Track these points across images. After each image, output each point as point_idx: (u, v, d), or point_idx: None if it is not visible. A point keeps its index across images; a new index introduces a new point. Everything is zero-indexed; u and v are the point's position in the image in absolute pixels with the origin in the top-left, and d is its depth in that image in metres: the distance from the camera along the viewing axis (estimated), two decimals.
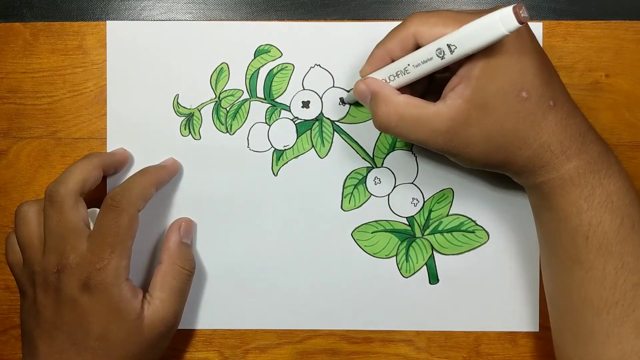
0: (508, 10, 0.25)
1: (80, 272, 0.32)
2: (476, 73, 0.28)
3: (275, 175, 0.38)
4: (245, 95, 0.38)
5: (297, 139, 0.38)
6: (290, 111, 0.38)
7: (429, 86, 0.34)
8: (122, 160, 0.37)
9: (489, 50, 0.28)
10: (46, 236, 0.33)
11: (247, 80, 0.38)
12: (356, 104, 0.37)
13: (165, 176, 0.37)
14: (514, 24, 0.25)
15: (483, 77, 0.28)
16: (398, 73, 0.31)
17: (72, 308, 0.32)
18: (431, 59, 0.29)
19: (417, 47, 0.30)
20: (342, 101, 0.38)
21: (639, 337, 0.29)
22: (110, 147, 0.38)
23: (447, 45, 0.27)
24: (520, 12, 0.25)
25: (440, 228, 0.38)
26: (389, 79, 0.31)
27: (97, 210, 0.34)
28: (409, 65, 0.30)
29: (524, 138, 0.29)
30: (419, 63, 0.29)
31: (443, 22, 0.29)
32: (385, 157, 0.38)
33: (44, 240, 0.33)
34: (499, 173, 0.33)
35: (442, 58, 0.28)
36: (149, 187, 0.35)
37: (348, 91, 0.37)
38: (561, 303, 0.32)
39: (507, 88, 0.28)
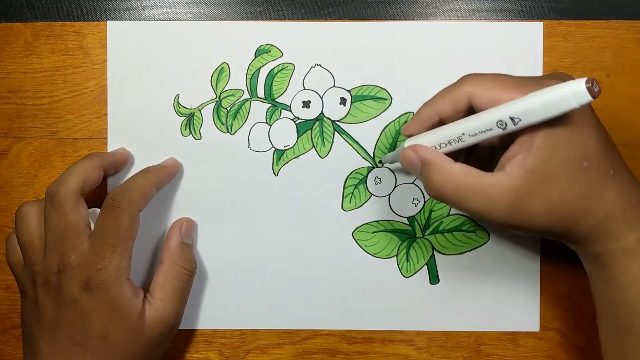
0: (581, 85, 0.24)
1: (81, 272, 0.32)
2: (538, 142, 0.27)
3: (276, 175, 0.38)
4: (246, 95, 0.38)
5: (297, 138, 0.38)
6: (290, 111, 0.38)
7: (470, 153, 0.34)
8: (122, 160, 0.37)
9: (550, 123, 0.27)
10: (47, 236, 0.33)
11: (248, 80, 0.38)
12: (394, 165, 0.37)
13: (166, 176, 0.37)
14: (586, 98, 0.25)
15: (545, 146, 0.27)
16: (451, 141, 0.29)
17: (73, 308, 0.32)
18: (491, 129, 0.28)
19: (470, 108, 0.29)
20: (381, 164, 0.37)
21: None
22: (111, 147, 0.38)
23: (511, 117, 0.27)
24: (594, 86, 0.24)
25: (440, 228, 0.38)
26: (439, 146, 0.30)
27: (98, 210, 0.34)
28: (464, 134, 0.29)
29: (586, 208, 0.28)
30: (476, 133, 0.28)
31: (502, 85, 0.28)
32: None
33: (44, 241, 0.33)
34: None
35: (504, 129, 0.27)
36: (149, 187, 0.35)
37: (390, 149, 0.37)
38: None
39: (570, 158, 0.28)
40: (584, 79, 0.25)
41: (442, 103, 0.30)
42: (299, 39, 0.38)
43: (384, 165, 0.37)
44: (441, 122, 0.31)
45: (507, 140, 0.29)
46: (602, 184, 0.28)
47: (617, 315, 0.30)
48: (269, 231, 0.38)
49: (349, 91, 0.38)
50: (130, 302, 0.32)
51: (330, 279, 0.38)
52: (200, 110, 0.38)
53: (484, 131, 0.28)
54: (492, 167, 0.29)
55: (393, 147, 0.38)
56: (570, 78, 0.29)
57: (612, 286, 0.30)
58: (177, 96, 0.38)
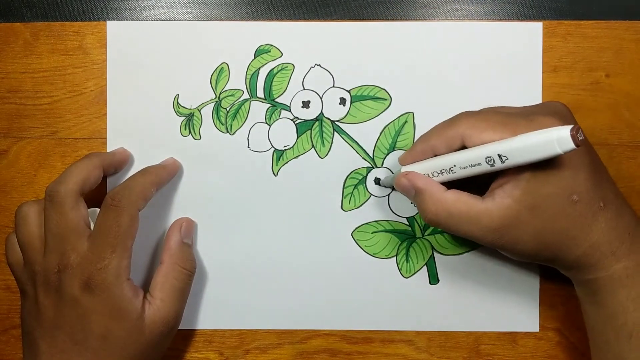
0: (565, 132, 0.25)
1: (81, 271, 0.32)
2: (526, 176, 0.29)
3: (276, 175, 0.38)
4: (246, 95, 0.38)
5: (297, 139, 0.38)
6: (290, 111, 0.38)
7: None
8: (122, 160, 0.37)
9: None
10: (47, 236, 0.33)
11: (247, 80, 0.38)
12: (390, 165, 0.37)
13: (166, 176, 0.37)
14: (569, 146, 0.25)
15: (533, 180, 0.29)
16: (442, 171, 0.31)
17: (73, 308, 0.32)
18: (480, 164, 0.29)
19: (463, 147, 0.30)
20: (378, 182, 0.38)
21: None
22: (111, 147, 0.38)
23: (498, 155, 0.28)
24: (578, 135, 0.25)
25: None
26: (432, 175, 0.32)
27: (98, 210, 0.34)
28: (455, 165, 0.30)
29: (573, 238, 0.29)
30: (466, 166, 0.30)
31: (492, 127, 0.29)
32: (385, 157, 0.38)
33: (44, 241, 0.33)
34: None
35: (492, 166, 0.28)
36: (149, 187, 0.35)
37: (390, 172, 0.38)
38: None
39: (558, 191, 0.29)
40: (569, 127, 0.25)
41: (436, 141, 0.31)
42: (299, 39, 0.38)
43: (382, 185, 0.38)
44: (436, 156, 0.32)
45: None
46: (590, 216, 0.29)
47: (607, 341, 0.31)
48: (269, 231, 0.38)
49: (348, 91, 0.38)
50: (130, 302, 0.32)
51: (329, 279, 0.38)
52: (199, 110, 0.38)
53: (473, 165, 0.29)
54: (486, 188, 0.30)
55: (392, 147, 0.38)
56: (564, 108, 0.31)
57: (602, 312, 0.31)
58: (177, 96, 0.38)
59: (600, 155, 0.32)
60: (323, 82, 0.38)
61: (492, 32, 0.37)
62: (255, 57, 0.38)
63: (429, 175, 0.32)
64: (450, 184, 0.32)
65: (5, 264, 0.35)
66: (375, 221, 0.38)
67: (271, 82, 0.38)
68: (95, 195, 0.36)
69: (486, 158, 0.28)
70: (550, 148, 0.26)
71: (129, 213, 0.33)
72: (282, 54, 0.38)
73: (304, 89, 0.38)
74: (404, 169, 0.34)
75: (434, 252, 0.38)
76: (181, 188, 0.38)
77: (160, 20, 0.39)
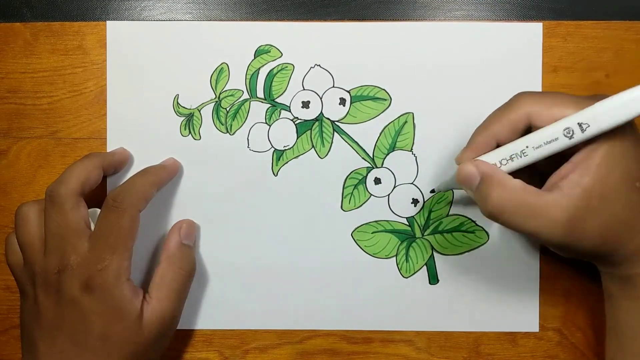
0: None
1: (82, 272, 0.32)
2: (597, 161, 0.27)
3: (275, 175, 0.38)
4: (245, 96, 0.38)
5: (297, 139, 0.38)
6: (290, 111, 0.38)
7: None
8: (122, 160, 0.37)
9: (609, 139, 0.27)
10: (47, 237, 0.33)
11: (247, 81, 0.38)
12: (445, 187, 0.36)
13: (166, 176, 0.37)
14: None
15: (604, 165, 0.27)
16: (513, 156, 0.29)
17: (73, 308, 0.32)
18: (557, 139, 0.27)
19: (529, 130, 0.29)
20: (433, 192, 0.37)
21: None
22: (111, 147, 0.38)
23: (579, 124, 0.26)
24: None
25: (440, 228, 0.38)
26: (500, 163, 0.29)
27: (98, 210, 0.34)
28: (527, 147, 0.28)
29: (632, 229, 0.28)
30: (541, 144, 0.28)
31: (562, 103, 0.28)
32: (385, 157, 0.38)
33: (44, 241, 0.33)
34: None
35: (571, 138, 0.27)
36: (149, 188, 0.35)
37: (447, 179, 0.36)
38: None
39: (625, 177, 0.27)
40: None
41: (498, 127, 0.29)
42: (299, 39, 0.38)
43: (437, 192, 0.36)
44: (497, 147, 0.30)
45: (553, 162, 0.29)
46: None
47: (635, 338, 0.30)
48: (268, 231, 0.38)
49: (348, 91, 0.38)
50: (129, 302, 0.32)
51: (329, 279, 0.38)
52: (199, 111, 0.38)
53: (549, 141, 0.27)
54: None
55: (392, 147, 0.38)
56: None
57: (638, 306, 0.29)
58: (177, 96, 0.38)
59: None
60: (323, 82, 0.38)
61: (492, 33, 0.37)
62: (255, 57, 0.38)
63: (496, 165, 0.29)
64: None
65: (5, 264, 0.35)
66: (375, 221, 0.38)
67: (271, 82, 0.38)
68: (95, 196, 0.36)
69: (564, 130, 0.27)
70: (636, 105, 0.25)
71: (129, 214, 0.33)
72: (282, 54, 0.38)
73: (304, 89, 0.38)
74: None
75: (434, 252, 0.38)
76: (181, 188, 0.38)
77: (160, 20, 0.39)
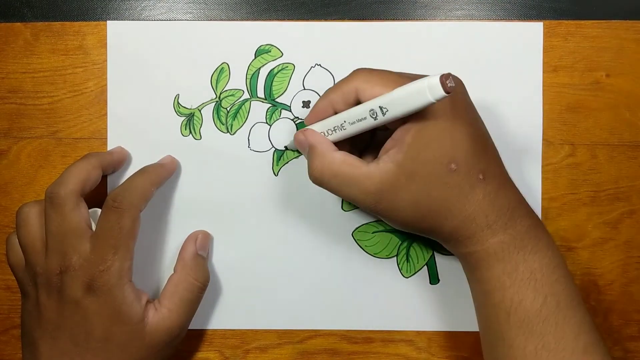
0: (435, 79, 0.26)
1: (84, 273, 0.32)
2: (408, 139, 0.29)
3: (276, 175, 0.38)
4: (246, 95, 0.38)
5: None
6: (290, 111, 0.38)
7: (371, 141, 0.35)
8: (120, 159, 0.37)
9: (422, 118, 0.29)
10: (48, 238, 0.33)
11: (248, 80, 0.38)
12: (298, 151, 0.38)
13: (165, 174, 0.37)
14: (440, 93, 0.26)
15: (414, 144, 0.29)
16: (335, 128, 0.31)
17: (75, 310, 0.32)
18: (365, 118, 0.29)
19: (359, 102, 0.30)
20: (286, 148, 0.38)
21: None
22: (111, 147, 0.38)
23: (380, 107, 0.28)
24: (447, 81, 0.26)
25: None
26: (327, 133, 0.32)
27: (99, 210, 0.34)
28: (345, 121, 0.31)
29: (449, 209, 0.29)
30: (354, 121, 0.30)
31: (383, 82, 0.29)
32: None
33: (45, 242, 0.33)
34: None
35: (375, 119, 0.29)
36: (149, 187, 0.35)
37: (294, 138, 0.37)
38: None
39: (437, 158, 0.29)
40: (440, 74, 0.26)
41: (334, 96, 0.31)
42: (299, 39, 0.38)
43: (288, 149, 0.38)
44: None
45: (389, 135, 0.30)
46: (468, 187, 0.29)
47: (488, 319, 0.31)
48: (269, 231, 0.38)
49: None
50: (131, 305, 0.32)
51: (330, 279, 0.38)
52: (200, 110, 0.38)
53: (360, 119, 0.30)
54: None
55: None
56: (457, 79, 0.30)
57: (481, 289, 0.31)
58: (177, 96, 0.38)
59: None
60: (323, 82, 0.38)
61: (493, 32, 0.37)
62: (255, 57, 0.38)
63: (324, 134, 0.32)
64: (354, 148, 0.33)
65: (6, 264, 0.35)
66: (376, 221, 0.38)
67: (271, 82, 0.38)
68: (95, 195, 0.36)
69: (370, 111, 0.29)
70: (422, 97, 0.26)
71: (130, 214, 0.33)
72: (282, 54, 0.38)
73: (305, 89, 0.38)
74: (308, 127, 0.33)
75: (435, 252, 0.38)
76: (181, 188, 0.38)
77: (160, 20, 0.39)
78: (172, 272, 0.36)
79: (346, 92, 0.31)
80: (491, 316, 0.30)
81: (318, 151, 0.31)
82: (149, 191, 0.34)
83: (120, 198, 0.33)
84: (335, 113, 0.32)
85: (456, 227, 0.30)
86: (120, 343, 0.32)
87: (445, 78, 0.26)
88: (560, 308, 0.29)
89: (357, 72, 0.31)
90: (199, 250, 0.37)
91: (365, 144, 0.35)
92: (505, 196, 0.30)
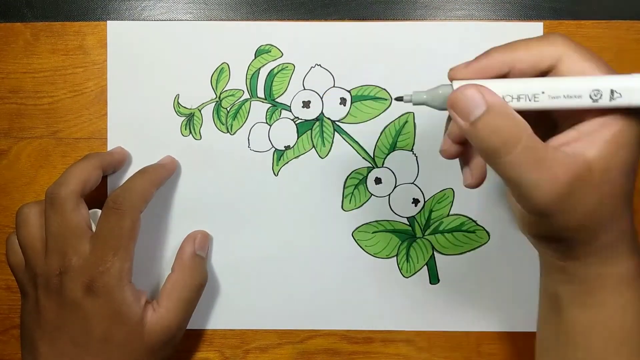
0: None
1: (83, 274, 0.32)
2: (607, 137, 0.25)
3: (276, 175, 0.38)
4: (246, 95, 0.38)
5: (297, 139, 0.38)
6: (290, 111, 0.38)
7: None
8: (121, 159, 0.37)
9: (625, 117, 0.25)
10: (48, 238, 0.33)
11: (248, 80, 0.38)
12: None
13: (165, 175, 0.37)
14: None
15: (613, 143, 0.25)
16: (521, 96, 0.25)
17: (75, 310, 0.32)
18: (580, 97, 0.24)
19: (546, 73, 0.25)
20: (401, 99, 0.28)
21: None
22: (111, 148, 0.38)
23: (611, 90, 0.24)
24: None
25: (440, 228, 0.38)
26: (506, 99, 0.25)
27: (99, 211, 0.34)
28: (543, 92, 0.25)
29: (613, 220, 0.26)
30: (559, 95, 0.25)
31: (596, 60, 0.25)
32: (386, 157, 0.38)
33: (45, 243, 0.33)
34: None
35: (595, 101, 0.24)
36: (149, 188, 0.35)
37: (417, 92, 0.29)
38: None
39: (629, 162, 0.25)
40: None
41: (524, 53, 0.25)
42: (299, 39, 0.38)
43: (408, 101, 0.28)
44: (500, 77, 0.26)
45: (550, 124, 0.27)
46: (629, 200, 0.26)
47: (588, 350, 0.28)
48: (269, 231, 0.38)
49: (348, 91, 0.38)
50: (131, 306, 0.32)
51: (330, 279, 0.38)
52: (200, 110, 0.38)
53: (570, 96, 0.24)
54: None
55: (393, 147, 0.38)
56: None
57: (594, 316, 0.28)
58: (177, 96, 0.38)
59: None
60: (323, 82, 0.38)
61: (493, 32, 0.37)
62: (255, 57, 0.38)
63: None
64: None
65: (6, 264, 0.35)
66: (376, 221, 0.38)
67: (271, 82, 0.38)
68: (95, 196, 0.36)
69: (593, 91, 0.24)
70: None
71: (130, 216, 0.33)
72: (282, 54, 0.38)
73: (305, 89, 0.38)
74: (457, 84, 0.26)
75: (435, 252, 0.38)
76: (181, 188, 0.38)
77: (160, 20, 0.39)
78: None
79: (542, 55, 0.25)
80: (594, 346, 0.28)
81: (507, 115, 0.24)
82: (149, 192, 0.34)
83: (121, 199, 0.33)
84: (505, 76, 0.26)
85: (610, 241, 0.26)
86: (120, 343, 0.32)
87: None
88: None
89: (558, 36, 0.25)
90: (198, 250, 0.37)
91: None
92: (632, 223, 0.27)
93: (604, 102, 0.24)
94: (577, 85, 0.24)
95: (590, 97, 0.24)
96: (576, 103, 0.24)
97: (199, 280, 0.36)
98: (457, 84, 0.26)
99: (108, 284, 0.32)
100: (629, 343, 0.27)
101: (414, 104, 0.27)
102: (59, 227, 0.32)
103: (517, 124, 0.24)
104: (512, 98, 0.25)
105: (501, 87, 0.25)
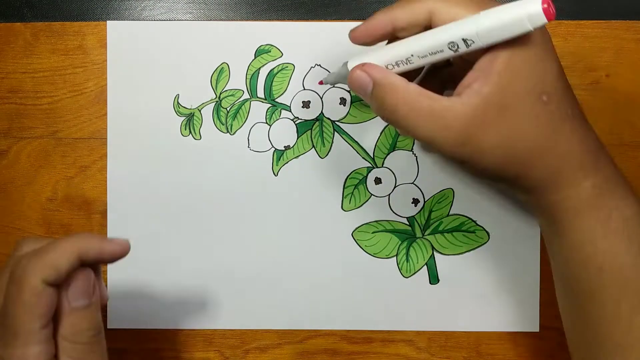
0: (537, 6, 0.23)
1: None
2: (498, 68, 0.25)
3: (276, 175, 0.38)
4: (246, 95, 0.38)
5: (297, 139, 0.38)
6: (290, 111, 0.38)
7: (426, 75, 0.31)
8: (113, 253, 0.27)
9: (511, 46, 0.25)
10: None
11: (248, 80, 0.38)
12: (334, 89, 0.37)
13: (97, 247, 0.27)
14: (541, 20, 0.23)
15: (505, 74, 0.25)
16: (398, 62, 0.27)
17: None
18: (442, 51, 0.26)
19: (427, 25, 0.27)
20: (321, 82, 0.33)
21: None
22: (111, 147, 0.38)
23: (464, 39, 0.25)
24: (550, 8, 0.23)
25: (440, 228, 0.38)
26: (387, 68, 0.28)
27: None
28: (412, 55, 0.27)
29: (542, 147, 0.26)
30: (426, 54, 0.26)
31: (464, 3, 0.26)
32: (385, 157, 0.38)
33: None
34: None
35: (456, 51, 0.25)
36: (66, 254, 0.26)
37: (329, 71, 0.34)
38: (575, 340, 0.29)
39: (529, 88, 0.25)
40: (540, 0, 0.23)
41: (399, 13, 0.27)
42: (299, 39, 0.38)
43: (324, 84, 0.33)
44: (391, 36, 0.28)
45: (464, 66, 0.27)
46: (559, 122, 0.26)
47: (574, 278, 0.27)
48: (269, 231, 0.38)
49: (348, 91, 0.38)
50: None
51: (330, 279, 0.38)
52: (200, 110, 0.38)
53: (434, 53, 0.26)
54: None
55: (393, 147, 0.38)
56: None
57: (567, 243, 0.27)
58: (177, 96, 0.38)
59: None
60: None
61: None
62: (255, 57, 0.38)
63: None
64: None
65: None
66: (376, 221, 0.38)
67: (271, 82, 0.38)
68: None
69: (449, 44, 0.25)
70: (520, 26, 0.23)
71: (29, 287, 0.25)
72: (282, 54, 0.38)
73: (304, 89, 0.38)
74: (352, 61, 0.29)
75: (434, 252, 0.38)
76: (181, 188, 0.38)
77: (160, 20, 0.39)
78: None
79: (417, 12, 0.26)
80: (579, 274, 0.27)
81: (388, 85, 0.27)
82: (64, 259, 0.26)
83: (21, 267, 0.25)
84: (391, 34, 0.28)
85: (547, 170, 0.26)
86: None
87: (546, 3, 0.23)
88: None
89: None
90: (73, 301, 0.26)
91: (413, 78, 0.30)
92: (590, 136, 0.27)
93: (463, 49, 0.25)
94: (435, 42, 0.26)
95: (450, 49, 0.25)
96: (442, 56, 0.26)
97: (80, 340, 0.26)
98: (350, 63, 0.29)
99: None
100: (609, 269, 0.26)
101: (332, 85, 0.33)
102: (6, 306, 0.26)
103: (399, 89, 0.26)
104: (393, 65, 0.28)
105: (381, 59, 0.28)
